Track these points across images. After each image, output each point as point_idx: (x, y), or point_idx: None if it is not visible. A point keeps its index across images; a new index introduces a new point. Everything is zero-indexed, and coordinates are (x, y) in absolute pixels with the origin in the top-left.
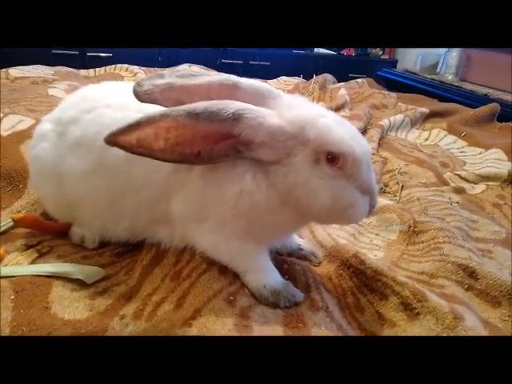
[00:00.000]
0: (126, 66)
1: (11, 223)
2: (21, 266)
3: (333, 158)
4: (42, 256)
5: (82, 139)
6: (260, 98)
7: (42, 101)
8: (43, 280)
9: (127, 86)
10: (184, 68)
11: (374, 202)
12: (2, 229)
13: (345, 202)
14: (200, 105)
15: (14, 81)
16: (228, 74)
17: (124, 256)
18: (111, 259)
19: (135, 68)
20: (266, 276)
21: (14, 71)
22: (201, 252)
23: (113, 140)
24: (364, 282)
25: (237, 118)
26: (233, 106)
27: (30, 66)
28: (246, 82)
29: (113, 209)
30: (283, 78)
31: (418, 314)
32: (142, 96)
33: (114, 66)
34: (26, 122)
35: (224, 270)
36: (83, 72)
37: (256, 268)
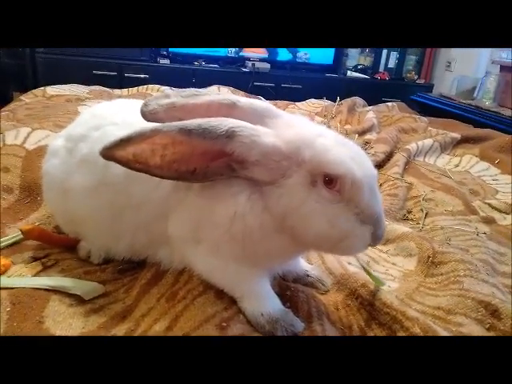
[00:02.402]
0: (157, 86)
1: (21, 235)
2: (22, 278)
3: (330, 180)
4: (45, 269)
5: (88, 157)
6: (258, 117)
7: (70, 117)
8: (42, 293)
9: (136, 104)
10: (191, 89)
11: (379, 232)
12: (13, 240)
13: (340, 230)
14: (194, 121)
15: (50, 98)
16: (228, 93)
17: (126, 273)
18: (113, 276)
19: (166, 88)
20: (264, 303)
21: (51, 89)
22: (197, 274)
23: (108, 154)
24: (372, 314)
25: (230, 135)
26: (227, 123)
27: (67, 85)
28: (244, 101)
29: (113, 227)
30: (312, 100)
31: None
32: (147, 115)
33: (146, 86)
34: (52, 137)
35: (221, 294)
36: (117, 91)
37: (253, 294)
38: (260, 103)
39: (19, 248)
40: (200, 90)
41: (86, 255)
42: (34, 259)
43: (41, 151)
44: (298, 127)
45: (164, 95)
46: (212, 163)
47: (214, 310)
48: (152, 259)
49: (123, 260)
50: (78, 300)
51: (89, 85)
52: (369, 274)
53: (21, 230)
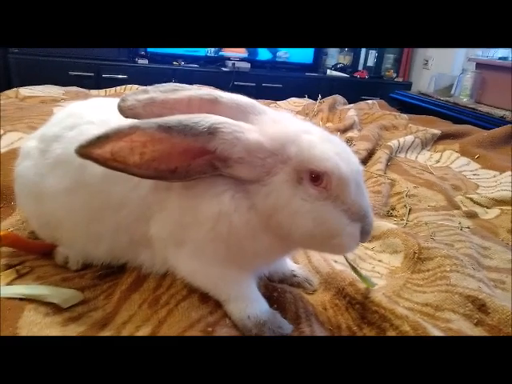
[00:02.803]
0: (136, 86)
1: None
2: None
3: (316, 177)
4: (20, 277)
5: (62, 157)
6: (242, 113)
7: (45, 119)
8: (16, 303)
9: (113, 103)
10: (170, 84)
11: (367, 228)
12: None
13: (329, 227)
14: (174, 118)
15: (24, 100)
16: (210, 89)
17: (106, 279)
18: (92, 282)
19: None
20: (250, 305)
21: (24, 90)
22: (181, 277)
23: (84, 152)
24: (361, 313)
25: (212, 132)
26: (209, 119)
27: (42, 86)
28: (227, 96)
29: (92, 230)
30: (293, 99)
31: None
32: (125, 111)
33: (124, 86)
34: (24, 140)
35: (206, 298)
36: (94, 92)
37: (239, 296)
38: (243, 99)
39: None
40: (180, 84)
41: (64, 261)
42: (8, 267)
43: (13, 154)
44: (283, 123)
45: (142, 90)
46: (194, 161)
47: (199, 315)
48: (133, 263)
49: (102, 265)
50: (55, 309)
51: (65, 86)
52: (359, 275)
53: None
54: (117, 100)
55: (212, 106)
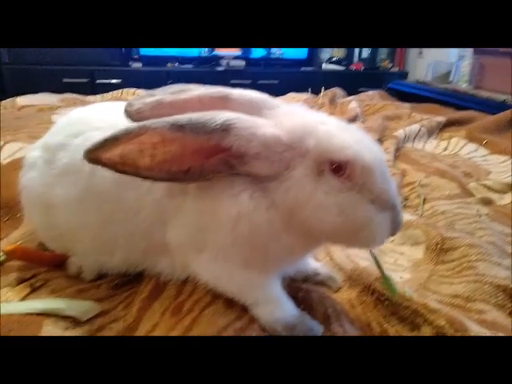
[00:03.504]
0: (132, 90)
1: (3, 256)
2: (9, 303)
3: (338, 167)
4: (34, 291)
5: (70, 166)
6: (255, 109)
7: (45, 127)
8: (33, 319)
9: (118, 107)
10: (178, 85)
11: (398, 218)
12: None
13: (357, 219)
14: (185, 116)
15: (21, 109)
16: (220, 87)
17: (123, 288)
18: (109, 292)
19: (142, 92)
20: (279, 308)
21: (21, 100)
22: (203, 283)
23: (93, 157)
24: (391, 309)
25: (226, 128)
26: (221, 116)
27: (38, 95)
28: (238, 92)
29: (105, 239)
30: (292, 94)
31: None
32: (133, 116)
33: (121, 90)
34: (26, 150)
35: (231, 303)
36: (90, 98)
37: (266, 300)
38: (255, 94)
39: (2, 270)
40: (188, 85)
41: (77, 272)
42: (21, 281)
43: (16, 165)
44: (298, 116)
45: (149, 94)
46: (207, 161)
47: (226, 321)
48: (150, 271)
49: (118, 274)
50: (74, 322)
51: (60, 94)
52: (383, 275)
53: (3, 251)
54: (119, 104)
55: (223, 103)
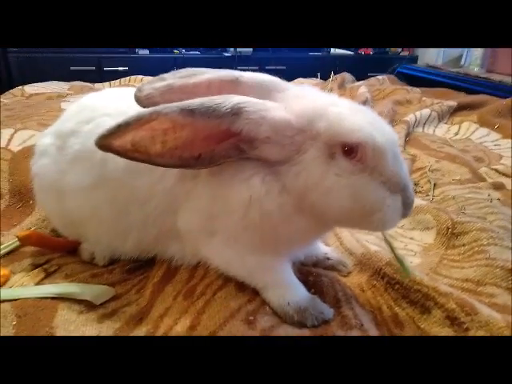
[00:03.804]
0: (140, 76)
1: (17, 242)
2: (25, 287)
3: (350, 149)
4: (49, 276)
5: (81, 153)
6: (265, 92)
7: (54, 115)
8: (48, 303)
9: (128, 92)
10: (188, 69)
11: (409, 200)
12: (9, 248)
13: (369, 202)
14: (195, 101)
15: (29, 97)
16: (229, 70)
17: (136, 272)
18: (122, 276)
19: (150, 78)
20: (289, 291)
21: (30, 88)
22: (214, 268)
23: (105, 144)
24: (401, 293)
25: (236, 112)
26: (232, 99)
27: (46, 83)
28: (248, 75)
29: (118, 225)
30: (300, 79)
31: (467, 329)
32: (143, 101)
33: (128, 77)
34: (36, 137)
35: (242, 286)
36: (98, 85)
37: (277, 283)
38: (265, 76)
39: (17, 256)
40: (198, 68)
41: (90, 257)
42: (35, 266)
43: (27, 152)
44: (309, 98)
45: (159, 78)
46: (218, 146)
47: (238, 304)
48: (162, 256)
49: (130, 259)
50: (89, 306)
51: (68, 81)
52: (397, 257)
53: (17, 237)
54: (128, 89)
55: (233, 86)
